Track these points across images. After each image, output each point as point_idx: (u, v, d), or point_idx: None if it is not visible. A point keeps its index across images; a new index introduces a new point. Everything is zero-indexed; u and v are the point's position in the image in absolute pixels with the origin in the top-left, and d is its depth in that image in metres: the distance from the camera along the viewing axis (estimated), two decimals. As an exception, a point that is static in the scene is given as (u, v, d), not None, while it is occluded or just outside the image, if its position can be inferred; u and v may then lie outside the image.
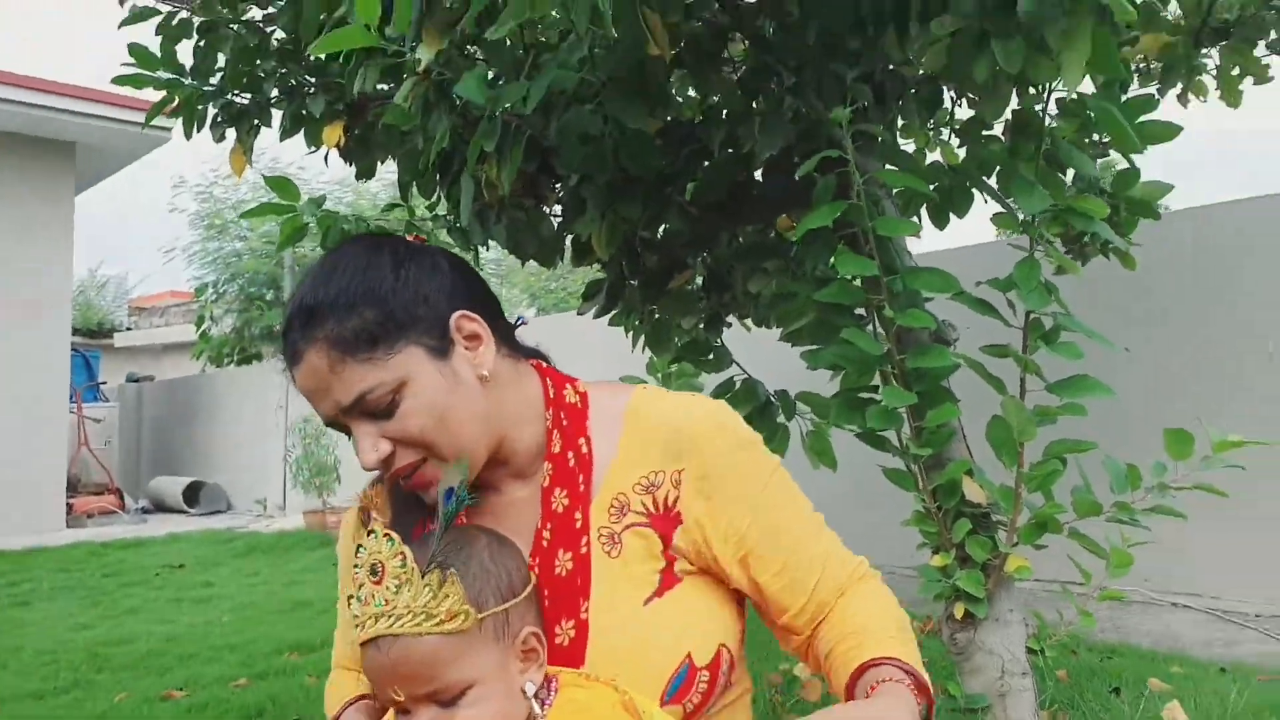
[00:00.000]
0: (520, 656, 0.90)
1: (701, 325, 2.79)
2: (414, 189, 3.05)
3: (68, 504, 9.77)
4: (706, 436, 1.01)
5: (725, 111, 2.07)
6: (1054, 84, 1.70)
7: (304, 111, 2.80)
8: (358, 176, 3.01)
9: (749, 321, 2.93)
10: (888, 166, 1.92)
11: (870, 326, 2.01)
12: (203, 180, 15.97)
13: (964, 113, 2.72)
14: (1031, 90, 1.84)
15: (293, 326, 0.99)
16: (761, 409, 2.41)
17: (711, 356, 2.68)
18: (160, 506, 11.47)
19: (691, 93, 2.49)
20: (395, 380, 0.96)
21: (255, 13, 2.58)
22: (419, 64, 1.65)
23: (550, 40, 1.92)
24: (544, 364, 1.13)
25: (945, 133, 2.78)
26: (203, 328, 12.32)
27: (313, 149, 3.09)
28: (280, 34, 2.73)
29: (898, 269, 1.88)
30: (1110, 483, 1.98)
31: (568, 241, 2.49)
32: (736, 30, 2.00)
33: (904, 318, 1.78)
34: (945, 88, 2.17)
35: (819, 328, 2.04)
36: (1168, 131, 1.79)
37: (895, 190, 2.00)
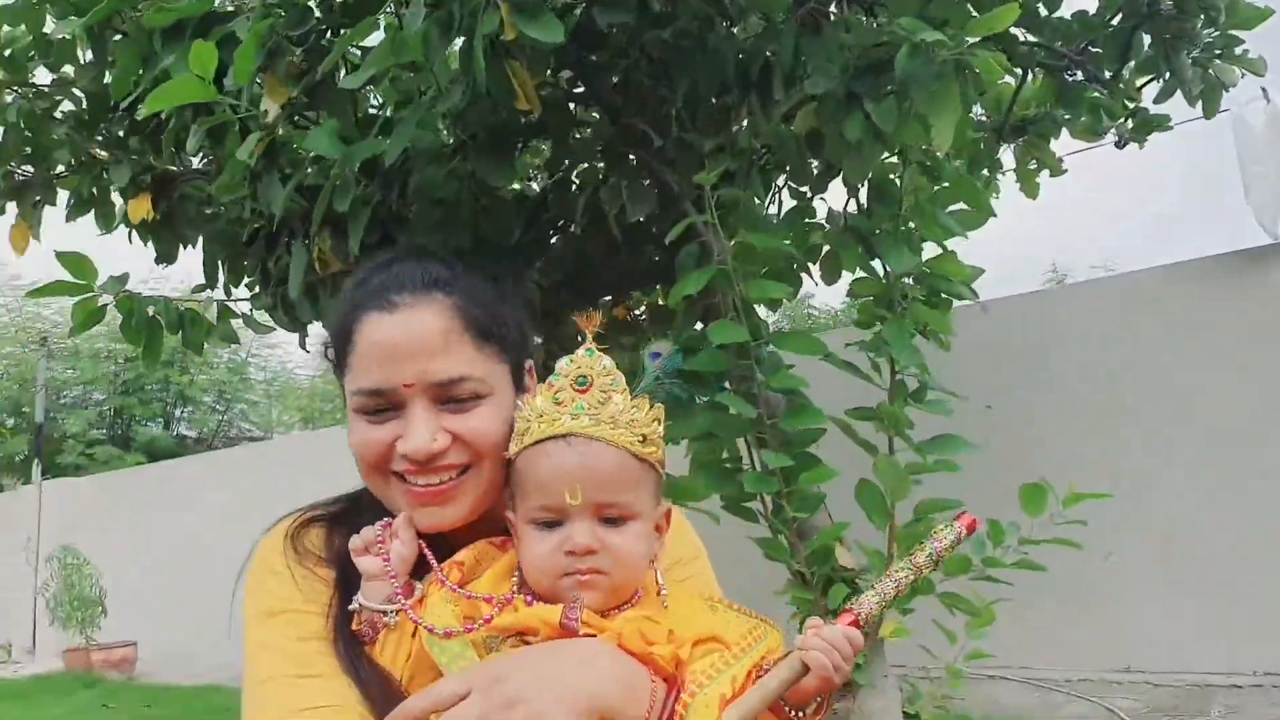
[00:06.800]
0: (657, 524, 0.94)
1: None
2: (220, 272, 2.82)
3: None
4: None
5: (579, 182, 2.02)
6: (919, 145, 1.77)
7: (95, 189, 2.53)
8: (158, 260, 2.73)
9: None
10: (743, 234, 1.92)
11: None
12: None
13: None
14: (887, 158, 1.90)
15: (401, 282, 0.97)
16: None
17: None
18: (-124, 660, 9.90)
19: (539, 162, 2.43)
20: (489, 384, 0.96)
21: (43, 76, 2.33)
22: (264, 116, 1.51)
23: (404, 95, 1.83)
24: None
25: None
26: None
27: (104, 231, 2.79)
28: (69, 104, 2.47)
29: (762, 335, 1.87)
30: (971, 542, 2.02)
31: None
32: (592, 99, 1.97)
33: (776, 379, 1.75)
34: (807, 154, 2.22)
35: (679, 402, 2.00)
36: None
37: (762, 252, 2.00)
